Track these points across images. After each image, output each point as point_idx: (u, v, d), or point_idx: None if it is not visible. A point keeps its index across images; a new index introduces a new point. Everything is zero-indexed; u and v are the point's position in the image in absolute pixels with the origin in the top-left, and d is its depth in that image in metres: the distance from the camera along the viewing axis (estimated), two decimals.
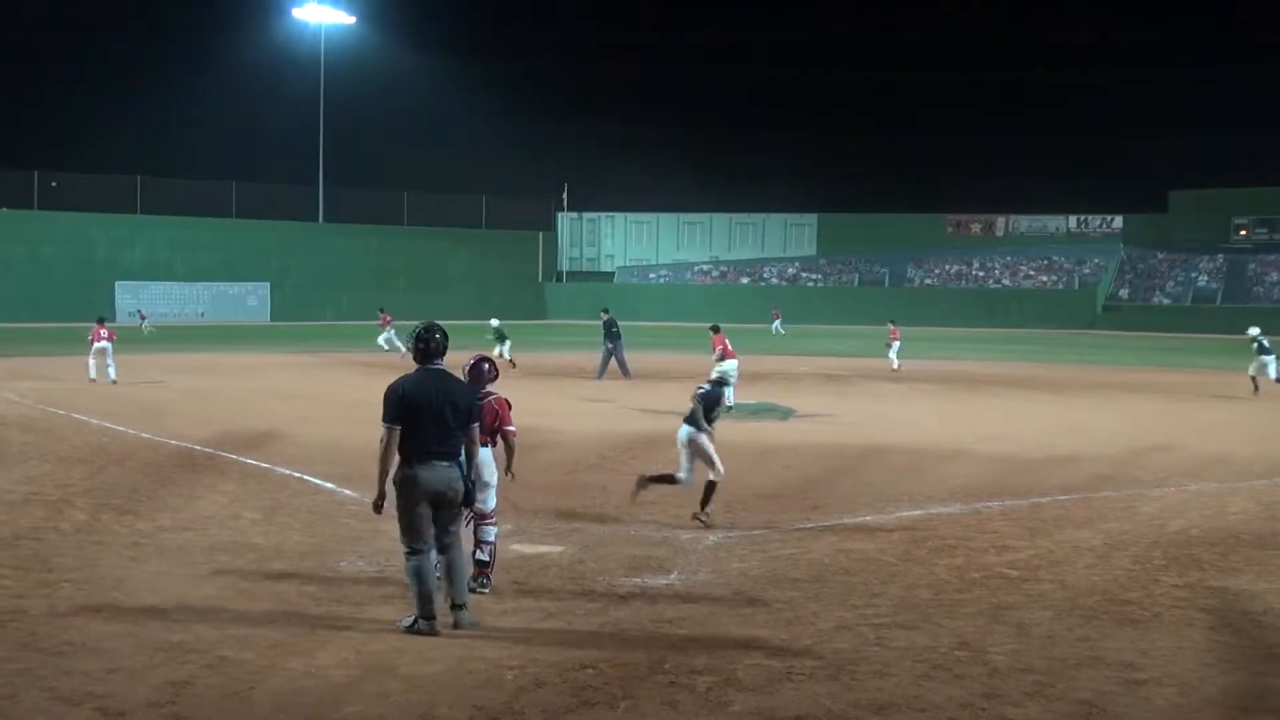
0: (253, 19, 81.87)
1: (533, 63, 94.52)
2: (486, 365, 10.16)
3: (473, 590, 9.04)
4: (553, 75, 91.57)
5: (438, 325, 8.77)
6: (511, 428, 10.05)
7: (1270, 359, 29.11)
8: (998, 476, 15.55)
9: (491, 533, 9.62)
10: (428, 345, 8.58)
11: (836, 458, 17.03)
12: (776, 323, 62.11)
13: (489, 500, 9.62)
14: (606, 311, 32.01)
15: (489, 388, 10.03)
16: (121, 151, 73.61)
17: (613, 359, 30.73)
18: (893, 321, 37.95)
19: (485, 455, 9.74)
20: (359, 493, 13.61)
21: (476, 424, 8.72)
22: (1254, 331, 30.38)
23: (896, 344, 36.18)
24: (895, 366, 35.53)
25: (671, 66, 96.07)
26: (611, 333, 30.80)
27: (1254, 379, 29.00)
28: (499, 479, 9.86)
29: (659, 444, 17.98)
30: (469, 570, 8.85)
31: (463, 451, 8.55)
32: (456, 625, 8.29)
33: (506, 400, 10.13)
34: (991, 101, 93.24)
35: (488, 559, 9.58)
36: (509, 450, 10.09)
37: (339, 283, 75.14)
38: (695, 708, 6.85)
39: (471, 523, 9.40)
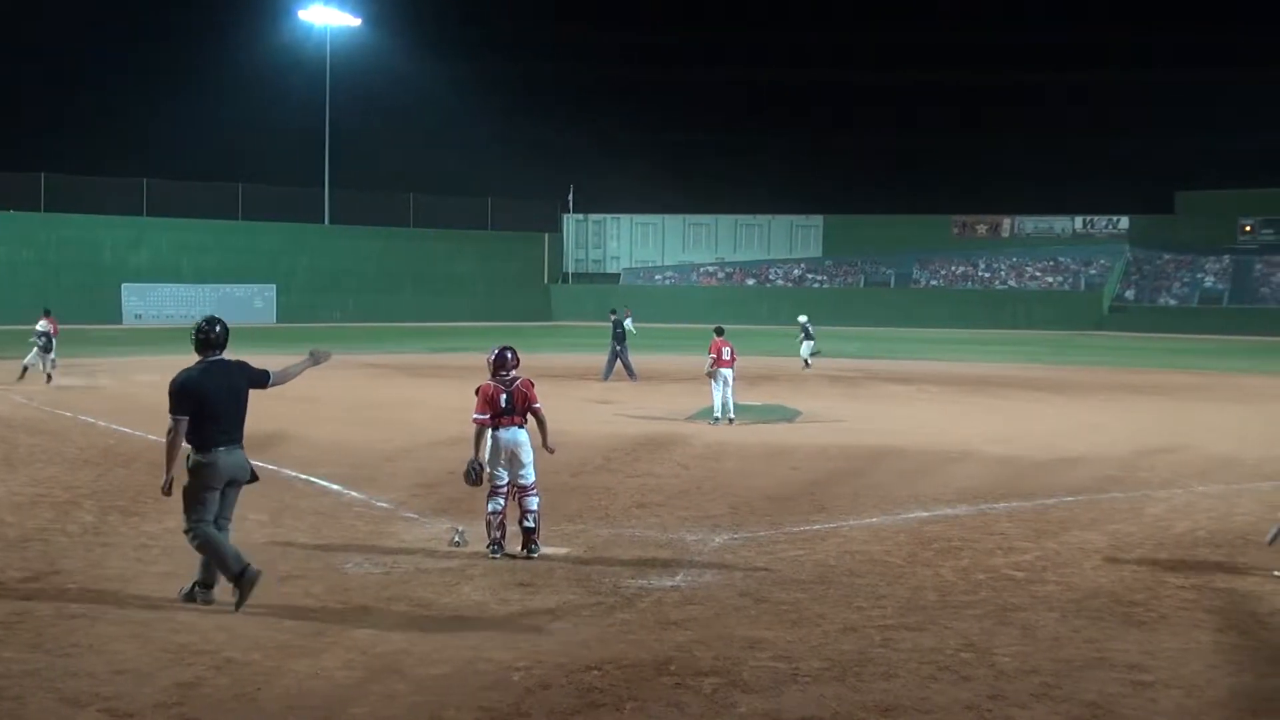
0: (258, 21, 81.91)
1: (538, 65, 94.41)
2: (510, 354, 11.04)
3: (529, 556, 10.55)
4: (558, 77, 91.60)
5: (218, 319, 9.26)
6: (538, 405, 10.97)
7: (813, 343, 34.88)
8: (1004, 478, 15.54)
9: (534, 502, 10.81)
10: (208, 337, 9.05)
11: (842, 459, 17.02)
12: (628, 321, 62.02)
13: (529, 475, 10.83)
14: (615, 312, 32.08)
15: (514, 372, 11.00)
16: (127, 154, 73.68)
17: (618, 361, 30.76)
18: (806, 317, 38.01)
19: (522, 435, 10.86)
20: (365, 494, 13.65)
21: (272, 379, 9.28)
22: (802, 319, 36.15)
23: (810, 341, 36.29)
24: (807, 363, 35.72)
25: (676, 68, 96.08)
26: (617, 334, 30.86)
27: (805, 360, 35.02)
28: (534, 455, 10.95)
29: (664, 446, 18.00)
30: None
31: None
32: (191, 598, 8.84)
33: (530, 381, 11.11)
34: (997, 102, 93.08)
35: (534, 525, 10.76)
36: (541, 424, 11.05)
37: (345, 285, 75.18)
38: (701, 709, 6.85)
39: (517, 496, 10.78)
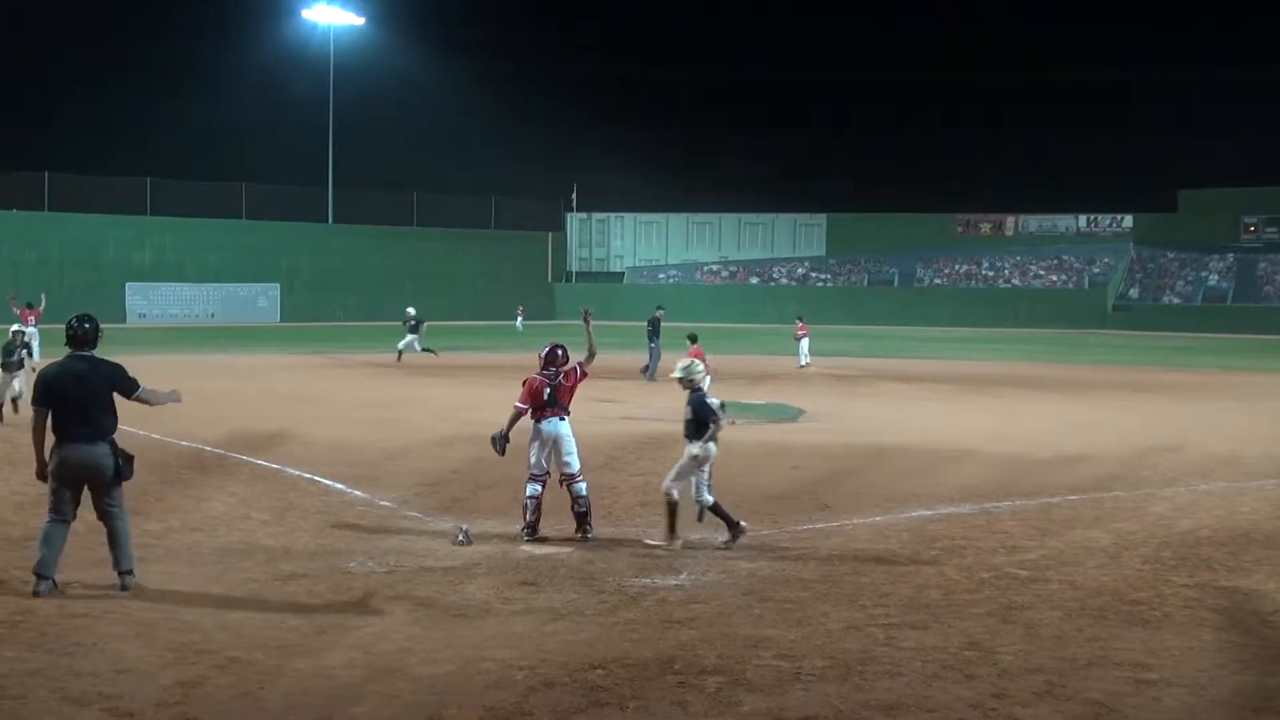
0: (262, 20, 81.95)
1: (541, 63, 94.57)
2: (560, 350, 11.73)
3: (584, 538, 11.20)
4: (561, 76, 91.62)
5: (87, 315, 9.45)
6: (578, 377, 11.79)
7: (415, 337, 34.96)
8: (1007, 477, 15.52)
9: (583, 488, 11.44)
10: (74, 334, 9.29)
11: (845, 458, 17.01)
12: (519, 319, 62.12)
13: (573, 464, 11.43)
14: (661, 309, 32.45)
15: (560, 370, 11.63)
16: (131, 153, 73.74)
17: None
18: (800, 318, 37.90)
19: (564, 427, 11.46)
20: (368, 494, 13.66)
21: (139, 390, 9.29)
22: (411, 311, 36.31)
23: (805, 340, 36.07)
24: (802, 364, 35.54)
25: (680, 66, 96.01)
26: (657, 330, 31.28)
27: (400, 352, 35.18)
28: (576, 445, 11.64)
29: (667, 445, 17.97)
30: (129, 540, 9.40)
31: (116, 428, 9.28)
32: (123, 588, 9.08)
33: (572, 372, 11.82)
34: (1000, 101, 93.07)
35: (585, 510, 11.38)
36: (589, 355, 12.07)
37: (348, 284, 75.23)
38: (705, 708, 6.84)
39: (565, 484, 11.38)
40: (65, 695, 6.86)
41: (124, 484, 9.36)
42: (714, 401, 11.82)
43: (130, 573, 9.23)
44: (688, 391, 11.72)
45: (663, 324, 32.15)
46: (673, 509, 11.12)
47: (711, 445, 11.30)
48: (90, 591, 9.15)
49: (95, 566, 9.94)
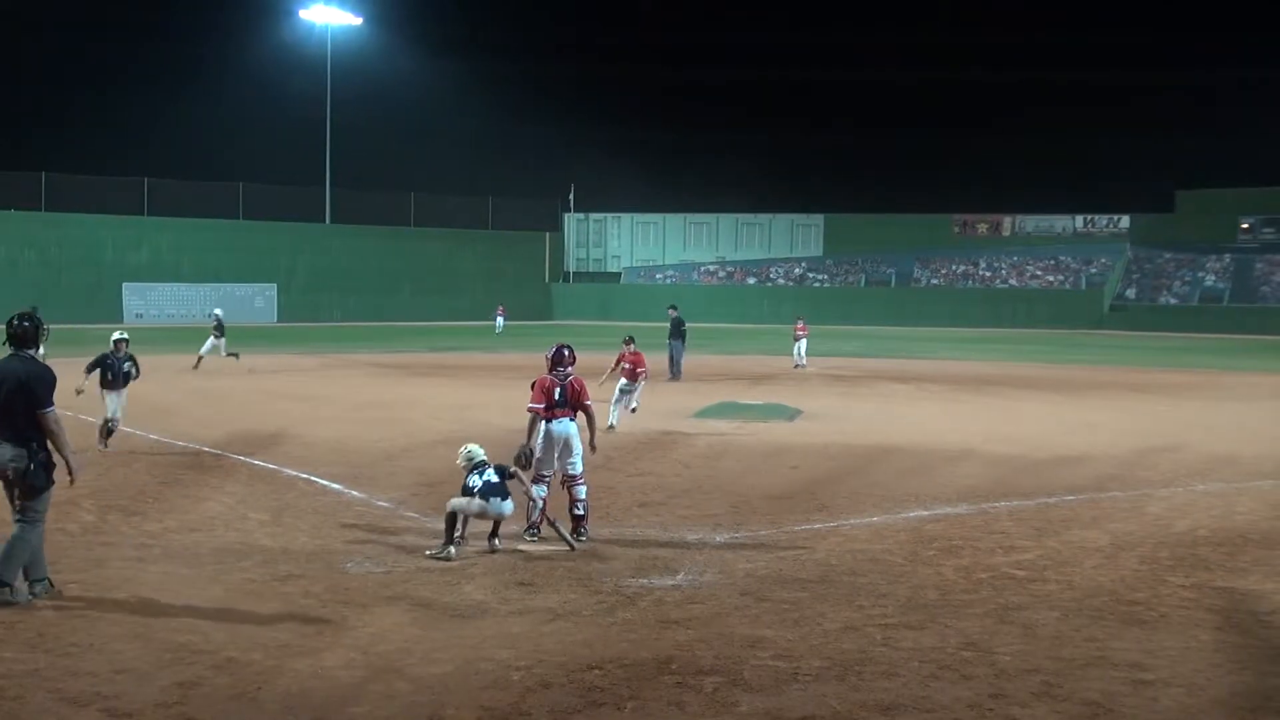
0: (259, 20, 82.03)
1: (539, 64, 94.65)
2: (566, 351, 11.70)
3: (578, 539, 11.04)
4: (559, 76, 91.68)
5: (27, 313, 9.27)
6: (589, 402, 11.76)
7: (221, 341, 33.48)
8: (1005, 477, 15.53)
9: (583, 491, 11.45)
10: (15, 332, 9.13)
11: (843, 458, 17.01)
12: (499, 319, 62.20)
13: (577, 465, 11.49)
14: (675, 309, 32.18)
15: (569, 369, 11.63)
16: (128, 153, 73.83)
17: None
18: (800, 318, 37.85)
19: (573, 427, 11.54)
20: (366, 494, 13.66)
21: (48, 410, 8.83)
22: (218, 312, 35.68)
23: (804, 340, 36.05)
24: (800, 364, 35.52)
25: (677, 67, 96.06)
26: (681, 330, 31.15)
27: (200, 357, 32.86)
28: (584, 451, 11.68)
29: (665, 445, 18.00)
30: (23, 555, 8.82)
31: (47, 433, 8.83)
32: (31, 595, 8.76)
33: (582, 379, 11.80)
34: (998, 101, 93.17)
35: (583, 513, 11.38)
36: (590, 422, 11.86)
37: (346, 284, 75.23)
38: (702, 708, 6.85)
39: (566, 485, 11.39)
40: (63, 696, 6.86)
41: (47, 492, 8.92)
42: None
43: (5, 585, 8.63)
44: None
45: (685, 324, 31.78)
46: (449, 520, 10.70)
47: (496, 502, 10.73)
48: (88, 592, 9.14)
49: (94, 567, 9.95)
